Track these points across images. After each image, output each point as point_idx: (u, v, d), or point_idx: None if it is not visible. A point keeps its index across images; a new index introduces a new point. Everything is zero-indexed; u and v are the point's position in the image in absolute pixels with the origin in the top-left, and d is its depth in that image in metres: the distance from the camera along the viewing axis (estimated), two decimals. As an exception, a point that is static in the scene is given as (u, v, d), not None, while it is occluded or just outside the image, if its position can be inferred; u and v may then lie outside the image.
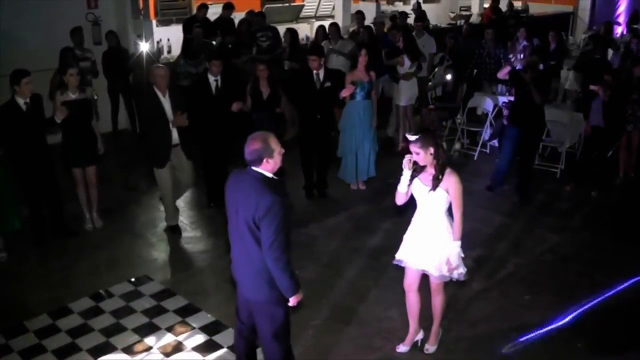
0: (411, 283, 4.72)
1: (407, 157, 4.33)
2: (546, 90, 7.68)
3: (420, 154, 4.27)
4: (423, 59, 9.72)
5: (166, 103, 6.42)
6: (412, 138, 4.28)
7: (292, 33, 10.15)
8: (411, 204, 4.58)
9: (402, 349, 4.91)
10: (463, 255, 4.55)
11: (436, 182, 4.31)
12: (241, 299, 4.06)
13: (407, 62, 9.14)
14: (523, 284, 5.81)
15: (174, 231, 6.84)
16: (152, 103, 6.39)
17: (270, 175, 3.71)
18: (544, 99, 7.49)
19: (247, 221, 3.65)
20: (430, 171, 4.35)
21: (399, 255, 4.68)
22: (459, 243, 4.46)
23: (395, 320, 5.20)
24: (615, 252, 6.45)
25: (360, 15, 11.08)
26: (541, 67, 8.17)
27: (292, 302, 3.83)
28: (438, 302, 4.75)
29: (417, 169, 4.38)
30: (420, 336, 4.94)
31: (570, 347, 4.95)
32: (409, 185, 4.42)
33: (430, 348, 4.87)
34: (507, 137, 7.81)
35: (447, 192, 4.33)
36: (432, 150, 4.25)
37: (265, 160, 3.67)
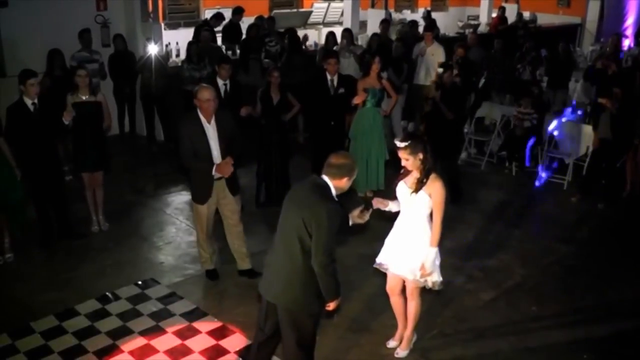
0: (393, 287, 4.76)
1: (374, 201, 4.48)
2: (458, 105, 7.66)
3: (409, 160, 4.31)
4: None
5: (210, 130, 5.36)
6: (400, 144, 4.28)
7: (291, 33, 10.12)
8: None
9: (392, 344, 4.95)
10: (438, 262, 4.54)
11: (419, 185, 4.33)
12: (266, 305, 3.99)
13: None
14: (530, 295, 5.80)
15: (210, 276, 5.97)
16: (193, 131, 5.33)
17: (334, 191, 3.77)
18: (454, 115, 7.48)
19: (298, 226, 3.65)
20: (415, 174, 4.37)
21: (378, 259, 4.72)
22: (435, 249, 4.46)
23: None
24: (622, 264, 6.44)
25: (386, 24, 11.09)
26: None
27: (331, 305, 3.90)
28: (412, 307, 4.72)
29: (403, 172, 4.44)
30: (413, 339, 4.94)
31: (575, 359, 4.93)
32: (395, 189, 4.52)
33: (401, 352, 4.85)
34: None
35: (430, 196, 4.34)
36: (420, 155, 4.28)
37: (345, 178, 3.75)
